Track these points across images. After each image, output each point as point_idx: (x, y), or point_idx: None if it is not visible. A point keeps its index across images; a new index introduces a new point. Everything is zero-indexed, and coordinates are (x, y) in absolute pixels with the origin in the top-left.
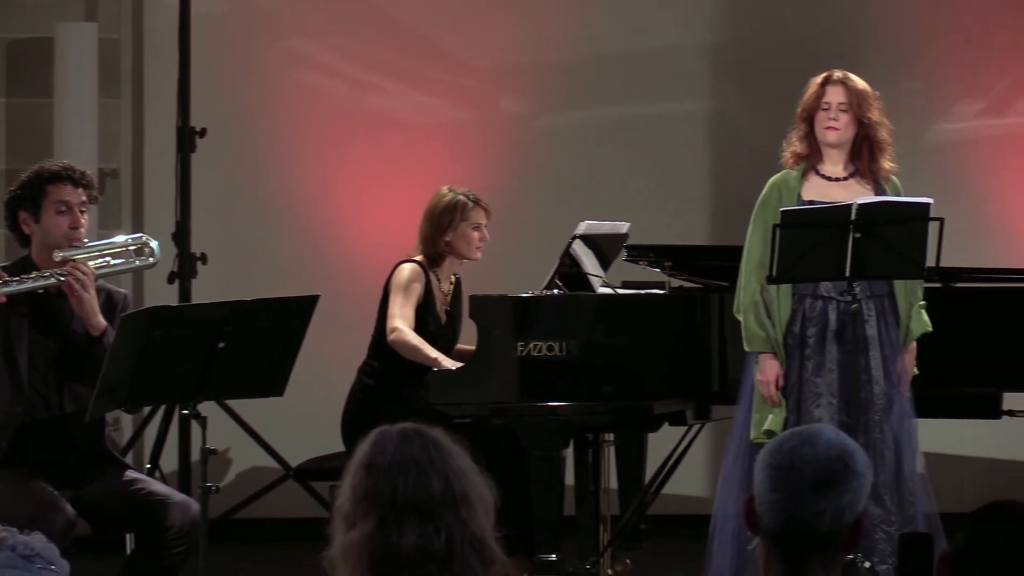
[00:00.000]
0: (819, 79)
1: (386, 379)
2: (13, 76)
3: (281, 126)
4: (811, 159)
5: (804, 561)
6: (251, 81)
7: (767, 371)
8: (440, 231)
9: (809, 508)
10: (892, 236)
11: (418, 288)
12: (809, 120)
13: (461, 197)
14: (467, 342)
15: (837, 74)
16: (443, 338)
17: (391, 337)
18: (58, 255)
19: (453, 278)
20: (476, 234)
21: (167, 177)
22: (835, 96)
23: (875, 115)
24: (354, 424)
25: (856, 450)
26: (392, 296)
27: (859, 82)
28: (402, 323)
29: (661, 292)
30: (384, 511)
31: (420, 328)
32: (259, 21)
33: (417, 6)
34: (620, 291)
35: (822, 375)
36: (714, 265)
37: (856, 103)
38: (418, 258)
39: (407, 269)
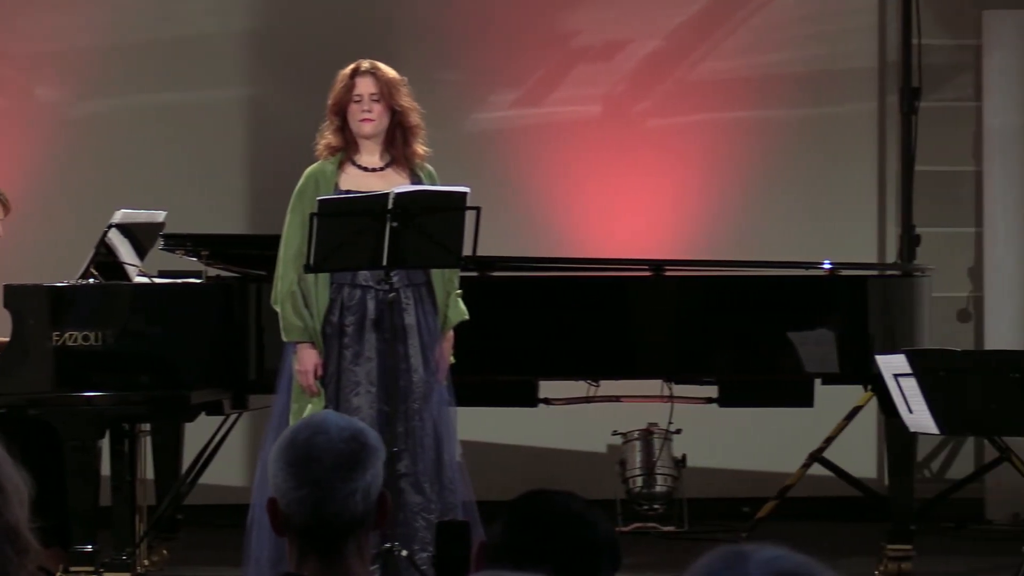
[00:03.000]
0: (347, 71)
1: None
2: None
3: None
4: (347, 150)
5: (341, 548)
6: None
7: (305, 361)
8: None
9: (340, 494)
10: (429, 225)
11: None
12: (341, 113)
13: None
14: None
15: (365, 64)
16: None
17: None
18: None
19: None
20: None
21: None
22: (366, 87)
23: (406, 101)
24: None
25: (364, 427)
26: None
27: (388, 70)
28: None
29: (198, 281)
30: None
31: None
32: None
33: None
34: (157, 280)
35: (361, 364)
36: (251, 254)
37: (387, 92)
38: None
39: None
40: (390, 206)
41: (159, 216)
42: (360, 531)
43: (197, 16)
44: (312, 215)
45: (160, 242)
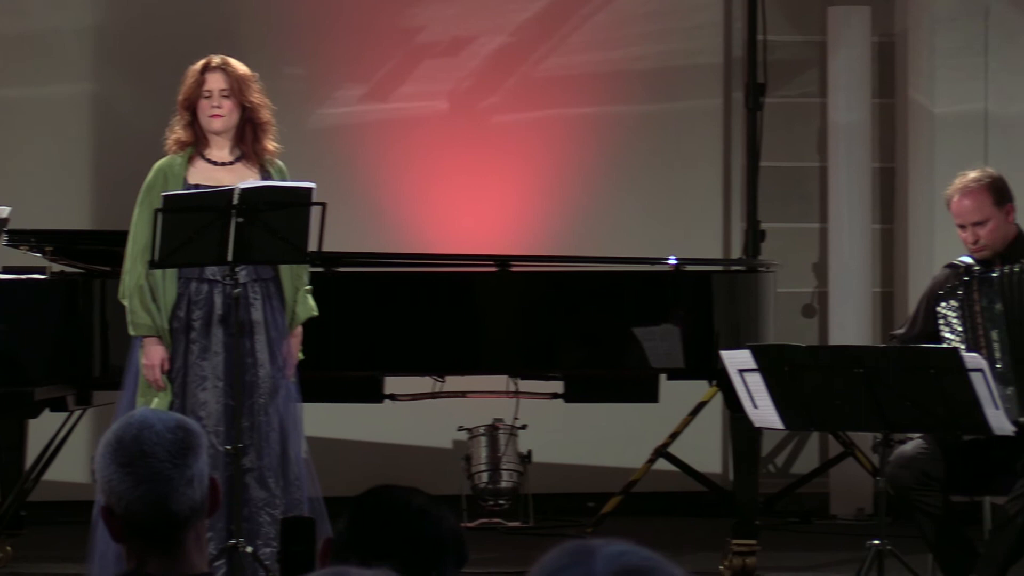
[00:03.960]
0: (198, 67)
1: None
2: None
3: None
4: (197, 145)
5: (182, 541)
6: None
7: (152, 355)
8: None
9: (179, 484)
10: (274, 220)
11: None
12: (191, 108)
13: None
14: None
15: (216, 60)
16: None
17: None
18: None
19: None
20: None
21: None
22: (216, 83)
23: (256, 97)
24: None
25: (181, 416)
26: None
27: (239, 66)
28: None
29: (41, 277)
30: None
31: None
32: None
33: None
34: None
35: (208, 358)
36: (97, 250)
37: (237, 88)
38: None
39: None
40: (235, 201)
41: (3, 212)
42: (198, 520)
43: (41, 11)
44: (157, 211)
45: (3, 238)
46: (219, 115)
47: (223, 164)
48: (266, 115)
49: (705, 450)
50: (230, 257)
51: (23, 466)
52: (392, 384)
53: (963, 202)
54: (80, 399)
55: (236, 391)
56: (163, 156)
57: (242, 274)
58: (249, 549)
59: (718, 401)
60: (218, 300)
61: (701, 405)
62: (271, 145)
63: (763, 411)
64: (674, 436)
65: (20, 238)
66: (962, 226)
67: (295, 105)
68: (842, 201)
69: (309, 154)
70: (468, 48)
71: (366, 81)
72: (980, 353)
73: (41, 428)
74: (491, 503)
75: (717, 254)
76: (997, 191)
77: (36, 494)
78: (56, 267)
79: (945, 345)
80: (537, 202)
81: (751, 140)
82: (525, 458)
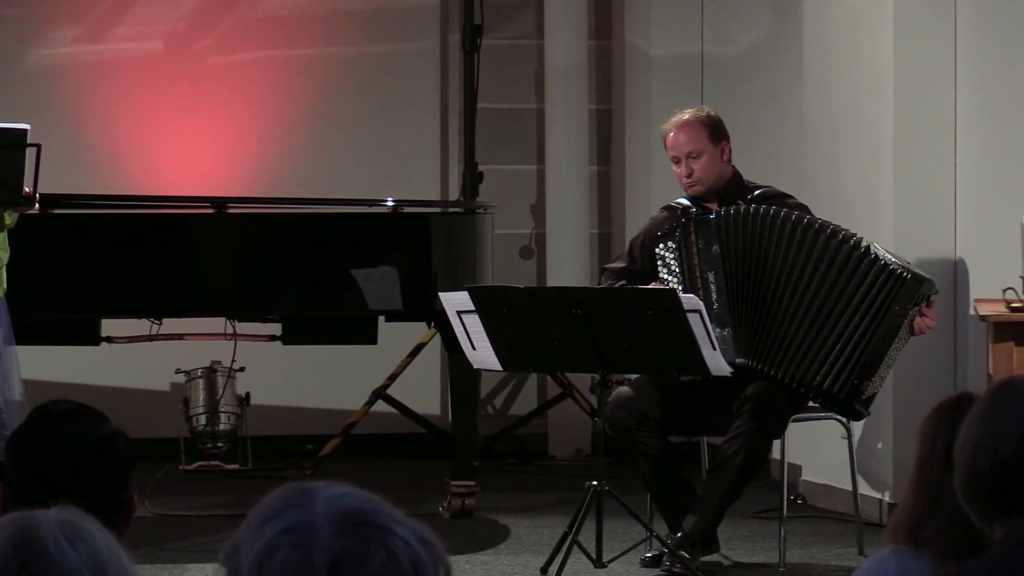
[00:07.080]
0: None
1: None
2: None
3: None
4: None
5: None
6: None
7: None
8: None
9: None
10: None
11: None
12: None
13: None
14: None
15: None
16: None
17: None
18: None
19: None
20: None
21: None
22: None
23: None
24: None
25: None
26: None
27: None
28: None
29: None
30: None
31: None
32: None
33: None
34: None
35: None
36: None
37: None
38: None
39: None
40: None
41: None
42: None
43: None
44: None
45: None
46: None
47: None
48: None
49: (424, 392)
50: None
51: None
52: (109, 326)
53: (679, 135)
54: None
55: None
56: None
57: None
58: None
59: (437, 343)
60: None
61: (420, 347)
62: None
63: (482, 352)
64: (393, 378)
65: None
66: (676, 160)
67: (9, 45)
68: (559, 143)
69: (23, 95)
70: None
71: (79, 22)
72: (697, 294)
73: None
74: (209, 446)
75: (435, 196)
76: (712, 127)
77: None
78: None
79: (663, 286)
80: (255, 144)
81: (468, 82)
82: (243, 400)
